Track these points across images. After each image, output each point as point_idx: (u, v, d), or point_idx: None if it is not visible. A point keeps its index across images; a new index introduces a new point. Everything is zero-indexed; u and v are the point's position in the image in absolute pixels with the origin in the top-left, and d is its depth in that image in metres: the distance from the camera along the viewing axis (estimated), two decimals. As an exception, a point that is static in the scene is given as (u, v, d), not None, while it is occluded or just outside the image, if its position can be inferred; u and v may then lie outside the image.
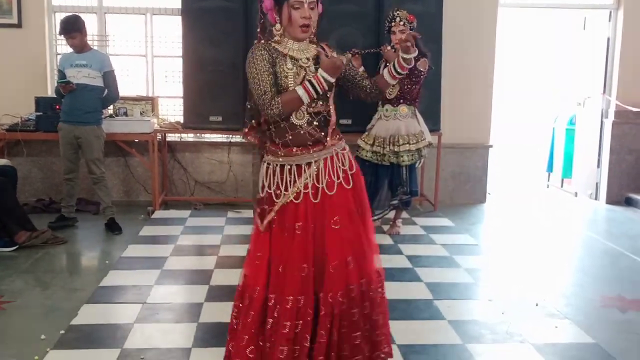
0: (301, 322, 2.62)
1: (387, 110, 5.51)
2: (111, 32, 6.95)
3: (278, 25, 2.68)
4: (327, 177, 2.71)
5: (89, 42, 5.84)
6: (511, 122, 9.75)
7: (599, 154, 7.44)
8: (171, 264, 4.78)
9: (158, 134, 6.51)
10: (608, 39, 7.34)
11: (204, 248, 5.26)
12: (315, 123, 2.70)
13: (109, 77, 5.61)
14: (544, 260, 5.21)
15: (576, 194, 7.85)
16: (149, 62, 7.02)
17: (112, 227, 5.68)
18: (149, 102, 6.70)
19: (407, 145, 5.46)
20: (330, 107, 2.77)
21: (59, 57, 6.44)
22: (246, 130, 2.84)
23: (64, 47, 6.38)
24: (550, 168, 8.57)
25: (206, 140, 7.04)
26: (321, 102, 2.71)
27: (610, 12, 7.31)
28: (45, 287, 4.27)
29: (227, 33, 6.26)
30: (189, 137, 7.04)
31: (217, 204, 6.78)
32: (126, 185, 6.92)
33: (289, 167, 2.70)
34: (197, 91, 6.35)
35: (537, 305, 4.07)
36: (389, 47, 5.42)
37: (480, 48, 6.97)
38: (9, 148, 6.47)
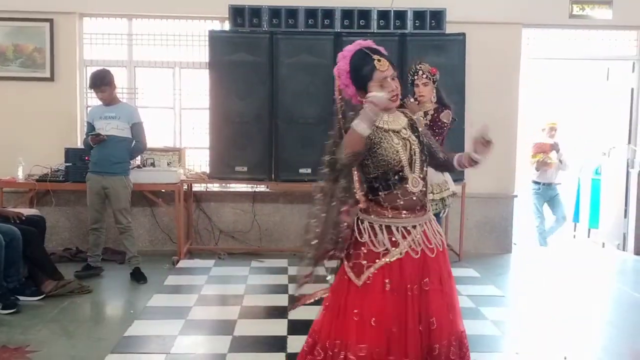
0: None
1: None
2: (140, 84, 7.13)
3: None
4: (427, 240, 2.76)
5: (119, 95, 6.01)
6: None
7: (626, 204, 7.36)
8: (195, 313, 4.79)
9: (184, 184, 6.60)
10: (632, 90, 7.34)
11: (228, 298, 5.27)
12: (423, 189, 2.78)
13: (137, 129, 5.75)
14: (572, 313, 5.12)
15: (603, 245, 7.74)
16: (176, 114, 7.17)
17: (138, 277, 5.72)
18: (176, 153, 6.82)
19: (431, 194, 5.44)
20: (426, 170, 2.84)
21: (88, 109, 6.60)
22: (345, 209, 2.74)
23: (93, 99, 6.56)
24: (576, 218, 8.49)
25: (231, 190, 7.11)
26: (424, 167, 2.80)
27: (634, 63, 7.33)
28: (71, 337, 4.30)
29: (252, 86, 6.39)
30: (214, 187, 7.12)
31: (241, 254, 6.80)
32: (152, 234, 6.99)
33: (395, 227, 2.73)
34: (223, 142, 6.45)
35: (565, 359, 3.99)
36: (412, 100, 5.48)
37: (504, 98, 7.01)
38: (39, 198, 6.60)
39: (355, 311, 2.65)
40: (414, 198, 2.74)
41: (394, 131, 2.77)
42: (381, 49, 2.82)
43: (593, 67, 8.31)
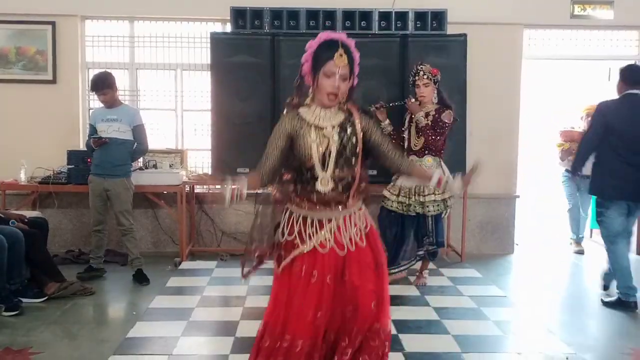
0: None
1: (412, 160, 5.53)
2: (142, 87, 7.14)
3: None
4: (346, 233, 2.85)
5: (120, 97, 6.03)
6: (538, 172, 9.70)
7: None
8: (197, 315, 4.80)
9: (186, 185, 6.61)
10: (634, 90, 7.31)
11: (230, 299, 5.28)
12: (339, 189, 2.84)
13: (138, 131, 5.76)
14: (574, 313, 5.13)
15: (606, 245, 7.70)
16: (178, 115, 7.18)
17: (140, 278, 5.73)
18: (178, 155, 6.83)
19: (433, 195, 5.46)
20: (356, 171, 2.86)
21: (90, 111, 6.62)
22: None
23: (95, 102, 6.57)
24: (578, 218, 8.44)
25: (233, 191, 7.10)
26: (346, 168, 2.83)
27: (635, 63, 7.31)
28: (73, 339, 4.31)
29: (254, 87, 6.40)
30: (217, 188, 7.09)
31: (243, 255, 6.78)
32: (154, 236, 7.00)
33: (310, 220, 2.85)
34: (225, 144, 6.46)
35: (567, 359, 3.99)
36: (413, 100, 5.51)
37: (505, 99, 7.02)
38: (41, 200, 6.62)
39: (277, 297, 2.86)
40: (326, 197, 2.82)
41: (317, 127, 2.81)
42: (357, 54, 2.87)
43: (594, 68, 8.30)
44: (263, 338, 2.84)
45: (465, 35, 6.53)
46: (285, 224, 2.88)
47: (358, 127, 2.86)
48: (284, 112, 2.90)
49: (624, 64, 7.31)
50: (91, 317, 4.97)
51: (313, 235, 2.82)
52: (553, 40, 7.29)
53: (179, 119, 7.19)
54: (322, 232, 2.82)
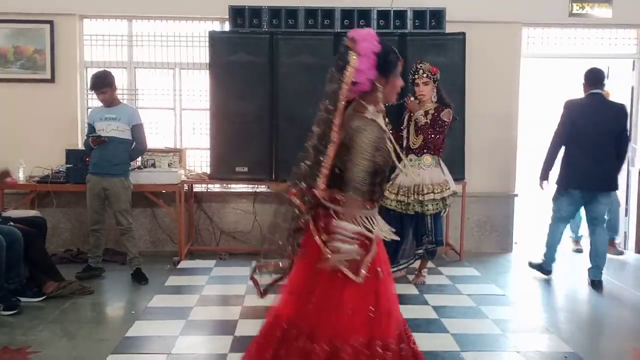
0: None
1: (411, 160, 5.53)
2: (141, 85, 7.13)
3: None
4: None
5: (119, 96, 6.01)
6: (537, 170, 9.70)
7: (627, 203, 7.36)
8: (196, 314, 4.80)
9: (185, 184, 6.60)
10: (632, 88, 7.34)
11: (229, 298, 5.27)
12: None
13: (137, 130, 5.75)
14: (573, 311, 5.13)
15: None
16: (177, 114, 7.17)
17: (139, 277, 5.73)
18: (177, 154, 6.83)
19: (432, 194, 5.47)
20: None
21: (89, 110, 6.61)
22: (294, 191, 2.78)
23: (94, 101, 6.57)
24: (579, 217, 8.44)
25: (232, 190, 7.12)
26: None
27: (634, 62, 7.34)
28: (72, 338, 4.30)
29: (252, 86, 6.39)
30: (215, 187, 7.12)
31: (242, 254, 6.80)
32: (153, 235, 6.99)
33: (372, 218, 2.81)
34: (224, 143, 6.45)
35: (565, 357, 3.99)
36: (412, 99, 5.50)
37: (504, 97, 7.02)
38: (39, 199, 6.61)
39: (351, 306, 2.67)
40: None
41: (385, 132, 2.81)
42: None
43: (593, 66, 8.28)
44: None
45: (463, 33, 6.53)
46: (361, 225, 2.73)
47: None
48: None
49: (623, 62, 7.37)
50: (90, 316, 4.97)
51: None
52: (552, 39, 7.29)
53: (177, 118, 7.19)
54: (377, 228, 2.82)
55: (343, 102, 2.69)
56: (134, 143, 5.77)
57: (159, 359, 3.88)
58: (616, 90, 7.56)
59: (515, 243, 7.33)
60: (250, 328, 4.38)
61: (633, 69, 7.33)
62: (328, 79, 2.73)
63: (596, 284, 5.70)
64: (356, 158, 2.63)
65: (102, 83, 5.60)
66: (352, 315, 2.67)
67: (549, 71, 9.19)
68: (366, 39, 2.69)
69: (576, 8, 7.06)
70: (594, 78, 5.82)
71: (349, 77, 2.66)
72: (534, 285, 5.93)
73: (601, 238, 5.83)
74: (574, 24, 7.17)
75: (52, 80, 6.79)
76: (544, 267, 6.06)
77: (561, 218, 5.98)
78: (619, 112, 5.84)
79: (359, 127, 2.67)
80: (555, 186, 5.98)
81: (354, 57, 2.66)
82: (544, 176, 6.00)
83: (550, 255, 6.04)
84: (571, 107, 5.84)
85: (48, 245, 5.77)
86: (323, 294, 2.70)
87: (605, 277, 5.80)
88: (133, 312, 4.89)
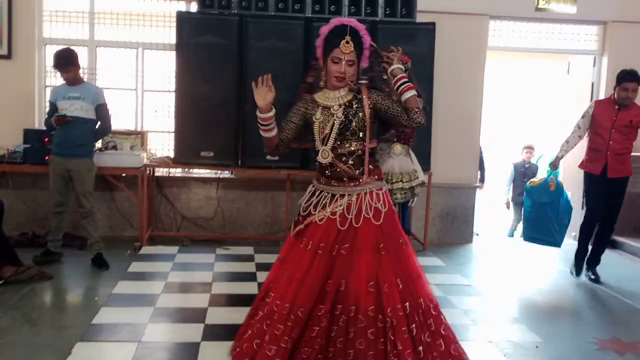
0: (317, 328, 2.94)
1: (381, 148, 5.50)
2: (101, 65, 6.89)
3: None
4: (356, 210, 3.01)
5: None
6: (499, 163, 9.84)
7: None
8: (164, 301, 4.68)
9: (147, 168, 6.42)
10: (592, 84, 7.49)
11: (196, 285, 5.15)
12: (350, 162, 3.07)
13: (101, 110, 5.54)
14: (537, 303, 5.21)
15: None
16: (138, 96, 6.97)
17: (99, 263, 5.55)
18: (138, 137, 6.63)
19: (400, 183, 5.45)
20: (366, 146, 3.04)
21: (48, 89, 6.36)
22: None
23: (53, 79, 6.32)
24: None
25: (195, 175, 6.97)
26: (355, 142, 3.04)
27: (595, 58, 7.48)
28: (34, 324, 4.14)
29: (220, 69, 6.25)
30: (177, 172, 6.96)
31: (204, 240, 6.68)
32: (111, 220, 6.79)
33: (325, 194, 3.09)
34: (189, 126, 6.29)
35: (537, 347, 4.04)
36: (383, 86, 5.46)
37: (469, 90, 7.07)
38: (-6, 180, 6.34)
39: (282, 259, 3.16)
40: (338, 170, 3.06)
41: (324, 107, 3.09)
42: (367, 38, 3.18)
43: (554, 62, 8.44)
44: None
45: (434, 24, 6.52)
46: (308, 193, 3.16)
47: (366, 102, 3.06)
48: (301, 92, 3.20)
49: (584, 58, 7.50)
50: (51, 302, 4.80)
51: (323, 208, 3.05)
52: (517, 32, 7.37)
53: (139, 100, 6.98)
54: (331, 207, 3.03)
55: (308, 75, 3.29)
56: (98, 123, 5.57)
57: (130, 347, 3.75)
58: (576, 86, 7.72)
59: (477, 234, 7.40)
60: (221, 316, 4.34)
61: (594, 65, 7.47)
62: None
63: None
64: None
65: (66, 61, 5.36)
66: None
67: (511, 66, 9.33)
68: (331, 22, 3.14)
69: (542, 3, 7.15)
70: None
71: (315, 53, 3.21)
72: (497, 276, 6.00)
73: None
74: (539, 18, 7.25)
75: (8, 56, 6.49)
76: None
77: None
78: None
79: None
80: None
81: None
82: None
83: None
84: None
85: (3, 228, 5.52)
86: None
87: (564, 269, 5.91)
88: (96, 298, 4.73)
